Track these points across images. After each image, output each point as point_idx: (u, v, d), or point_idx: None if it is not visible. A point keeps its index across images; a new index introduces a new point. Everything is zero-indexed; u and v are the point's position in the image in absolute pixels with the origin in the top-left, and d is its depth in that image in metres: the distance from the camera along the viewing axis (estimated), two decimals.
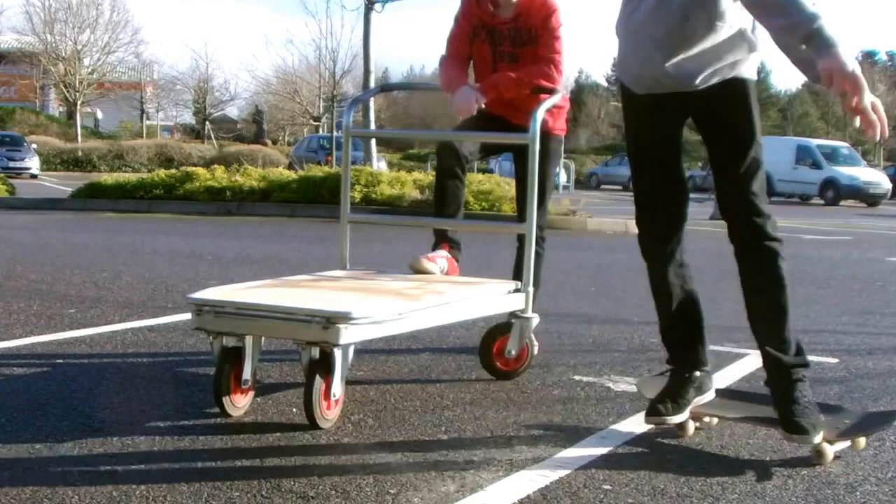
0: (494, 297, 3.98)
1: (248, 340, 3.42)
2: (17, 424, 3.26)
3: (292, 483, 2.76)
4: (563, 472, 2.93)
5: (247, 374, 3.42)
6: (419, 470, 2.92)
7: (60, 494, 2.61)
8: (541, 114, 3.97)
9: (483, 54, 4.41)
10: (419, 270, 4.21)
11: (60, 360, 4.25)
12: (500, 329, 4.18)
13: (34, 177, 33.27)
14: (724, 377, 4.29)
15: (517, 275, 4.25)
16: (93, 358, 4.34)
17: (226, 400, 3.37)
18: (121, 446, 3.05)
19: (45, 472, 2.79)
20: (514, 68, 4.32)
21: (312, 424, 3.27)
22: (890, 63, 75.12)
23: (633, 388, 4.06)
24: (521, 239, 4.22)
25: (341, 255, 4.35)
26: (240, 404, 3.44)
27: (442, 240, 4.45)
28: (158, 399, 3.69)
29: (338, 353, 3.23)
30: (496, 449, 3.16)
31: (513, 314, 4.07)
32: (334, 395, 3.31)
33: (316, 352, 3.28)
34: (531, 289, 4.07)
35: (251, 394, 3.51)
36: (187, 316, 5.42)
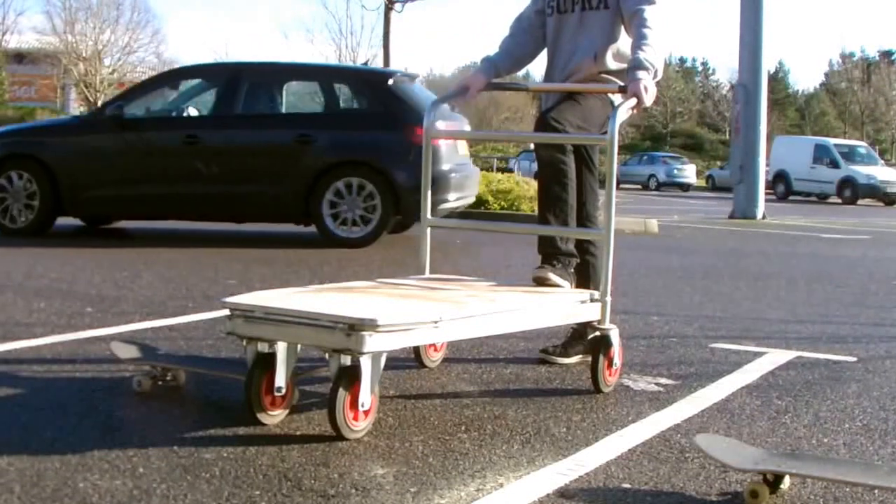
0: (558, 307, 3.87)
1: (281, 346, 3.26)
2: (38, 423, 3.29)
3: (312, 482, 2.77)
4: (582, 472, 2.93)
5: (280, 381, 3.26)
6: (439, 468, 2.93)
7: (81, 493, 2.63)
8: (621, 115, 3.84)
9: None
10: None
11: (81, 359, 4.27)
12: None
13: None
14: (744, 374, 4.29)
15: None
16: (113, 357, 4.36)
17: (257, 408, 3.25)
18: (141, 445, 3.06)
19: (65, 471, 2.80)
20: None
21: (338, 435, 3.13)
22: None
23: (653, 388, 4.06)
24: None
25: (421, 261, 4.28)
26: (273, 412, 3.31)
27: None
28: (178, 398, 3.71)
29: (364, 361, 3.09)
30: (516, 448, 3.16)
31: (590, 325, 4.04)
32: (363, 406, 3.16)
33: (346, 359, 3.10)
34: (609, 298, 3.97)
35: (287, 402, 3.34)
36: (208, 315, 5.47)
